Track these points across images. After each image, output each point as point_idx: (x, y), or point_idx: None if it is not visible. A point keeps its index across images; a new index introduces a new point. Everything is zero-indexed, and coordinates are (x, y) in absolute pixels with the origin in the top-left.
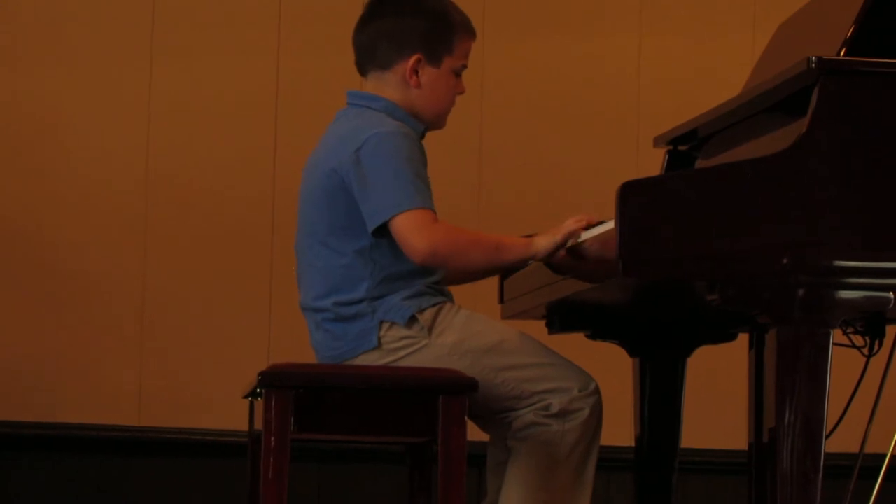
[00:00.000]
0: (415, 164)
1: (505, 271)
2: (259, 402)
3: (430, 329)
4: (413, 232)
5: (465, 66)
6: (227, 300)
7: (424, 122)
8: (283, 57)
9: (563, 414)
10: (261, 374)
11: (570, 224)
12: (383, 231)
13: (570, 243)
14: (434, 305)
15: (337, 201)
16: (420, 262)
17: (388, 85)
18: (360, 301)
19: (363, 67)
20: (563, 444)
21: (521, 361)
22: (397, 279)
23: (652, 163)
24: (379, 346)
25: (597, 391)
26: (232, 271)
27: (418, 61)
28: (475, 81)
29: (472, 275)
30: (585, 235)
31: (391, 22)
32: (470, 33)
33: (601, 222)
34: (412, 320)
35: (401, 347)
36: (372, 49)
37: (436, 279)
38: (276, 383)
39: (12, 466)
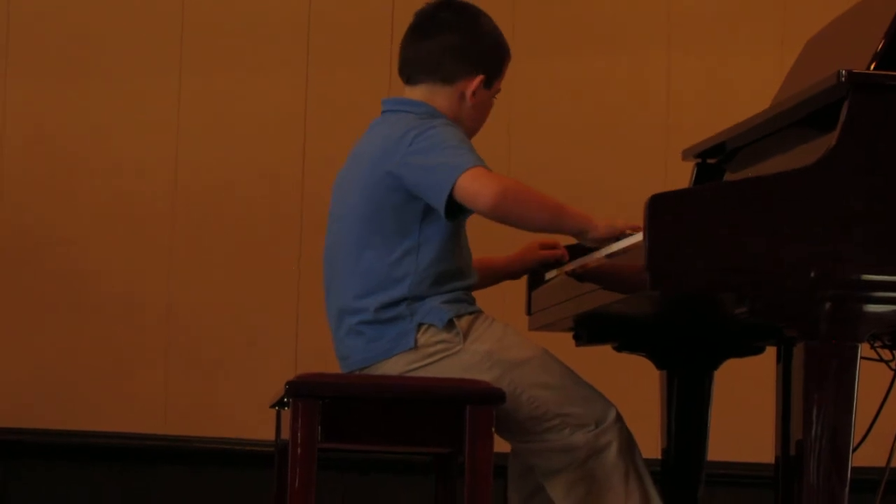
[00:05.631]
0: (466, 142)
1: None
2: (286, 412)
3: (466, 335)
4: (479, 181)
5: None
6: (254, 310)
7: None
8: (312, 70)
9: (594, 454)
10: (288, 383)
11: (620, 229)
12: (454, 211)
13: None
14: (471, 313)
15: (385, 204)
16: (490, 208)
17: (439, 96)
18: (401, 301)
19: (415, 76)
20: (614, 478)
21: (547, 381)
22: (439, 279)
23: (680, 178)
24: (415, 347)
25: (618, 419)
26: (259, 281)
27: (482, 82)
28: (504, 97)
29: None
30: (614, 247)
31: (457, 38)
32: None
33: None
34: (450, 324)
35: (437, 351)
36: (434, 62)
37: (471, 282)
38: (303, 393)
39: (38, 474)
